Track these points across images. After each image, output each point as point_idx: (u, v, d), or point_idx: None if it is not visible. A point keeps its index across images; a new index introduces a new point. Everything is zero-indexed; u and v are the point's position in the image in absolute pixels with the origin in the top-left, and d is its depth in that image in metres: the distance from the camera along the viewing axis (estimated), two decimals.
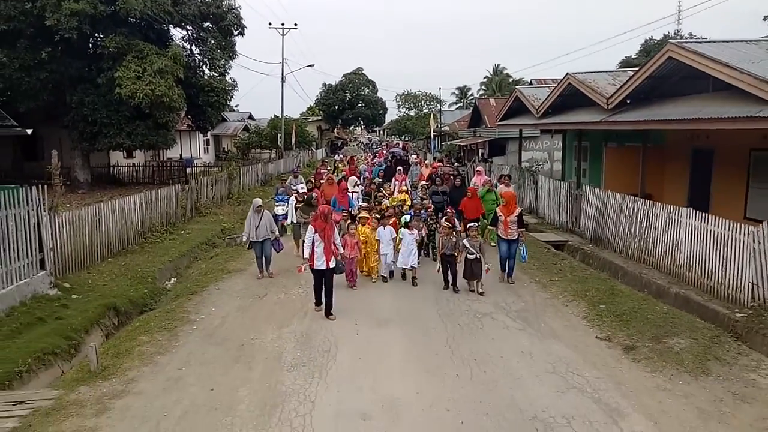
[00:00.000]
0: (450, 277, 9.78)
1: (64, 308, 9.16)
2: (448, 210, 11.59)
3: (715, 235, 8.91)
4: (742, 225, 8.34)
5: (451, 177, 14.70)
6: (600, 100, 13.14)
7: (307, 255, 8.62)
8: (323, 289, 8.67)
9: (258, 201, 11.14)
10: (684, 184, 14.16)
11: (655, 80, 11.38)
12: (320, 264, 8.48)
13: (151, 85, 21.04)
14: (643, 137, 13.18)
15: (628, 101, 12.50)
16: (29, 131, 20.46)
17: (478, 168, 17.13)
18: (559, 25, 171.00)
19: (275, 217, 12.52)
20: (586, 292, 9.34)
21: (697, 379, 6.11)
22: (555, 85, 16.72)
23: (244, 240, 11.21)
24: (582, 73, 15.07)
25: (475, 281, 9.60)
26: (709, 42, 10.55)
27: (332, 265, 8.60)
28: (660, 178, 14.93)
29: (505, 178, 14.32)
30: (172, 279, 12.21)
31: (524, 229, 10.62)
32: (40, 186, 9.78)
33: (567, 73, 15.12)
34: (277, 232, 11.30)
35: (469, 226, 10.03)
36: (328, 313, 8.60)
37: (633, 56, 52.54)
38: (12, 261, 8.90)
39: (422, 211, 11.63)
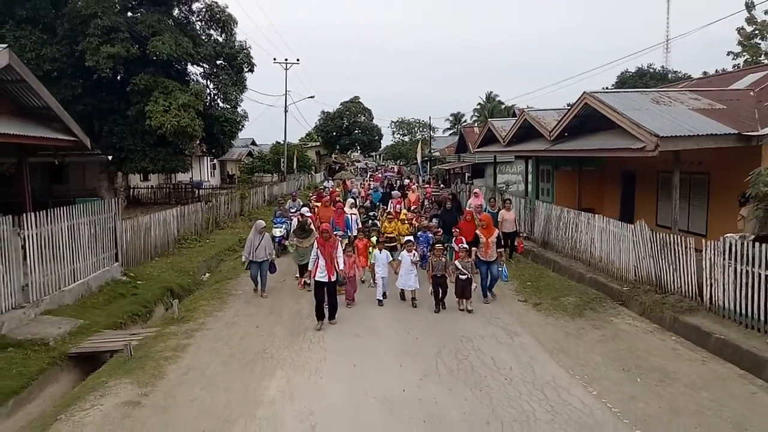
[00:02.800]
0: (441, 297, 10.11)
1: (135, 289, 12.39)
2: (455, 230, 11.89)
3: (614, 234, 12.22)
4: (628, 225, 11.66)
5: (448, 199, 15.02)
6: (545, 132, 16.58)
7: (311, 267, 9.35)
8: (325, 299, 9.23)
9: (261, 223, 11.66)
10: (617, 199, 17.55)
11: (581, 119, 14.77)
12: (322, 276, 9.11)
13: (177, 117, 24.51)
14: (578, 162, 16.62)
15: (566, 134, 15.92)
16: (110, 158, 23.50)
17: (475, 191, 17.56)
18: (553, 54, 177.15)
19: (273, 238, 13.14)
20: (521, 276, 12.64)
21: (573, 319, 9.38)
22: (515, 119, 20.22)
23: (243, 260, 11.70)
24: (535, 110, 18.58)
25: (464, 300, 10.03)
26: (613, 92, 14.05)
27: (334, 278, 9.21)
28: (600, 194, 18.36)
29: (507, 203, 14.64)
30: (207, 274, 15.43)
31: (503, 250, 11.10)
32: (111, 200, 13.10)
33: (522, 110, 18.64)
34: (274, 255, 11.89)
35: (461, 247, 10.42)
36: (331, 317, 9.41)
37: (609, 87, 56.58)
38: (99, 253, 12.16)
39: (423, 233, 12.33)
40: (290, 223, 15.08)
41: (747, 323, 8.30)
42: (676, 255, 9.92)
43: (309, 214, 13.63)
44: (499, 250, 10.71)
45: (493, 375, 7.04)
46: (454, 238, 11.64)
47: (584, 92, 13.52)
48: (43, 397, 7.54)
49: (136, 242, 14.54)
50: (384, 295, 10.62)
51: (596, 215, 13.22)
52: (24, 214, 9.57)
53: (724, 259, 8.75)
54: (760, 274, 8.04)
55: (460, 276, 9.90)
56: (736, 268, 8.51)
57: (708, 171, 13.12)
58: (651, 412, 6.02)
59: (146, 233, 15.19)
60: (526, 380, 6.85)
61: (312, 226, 12.21)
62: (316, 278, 9.16)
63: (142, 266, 14.38)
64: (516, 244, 13.82)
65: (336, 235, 11.23)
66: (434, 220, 13.89)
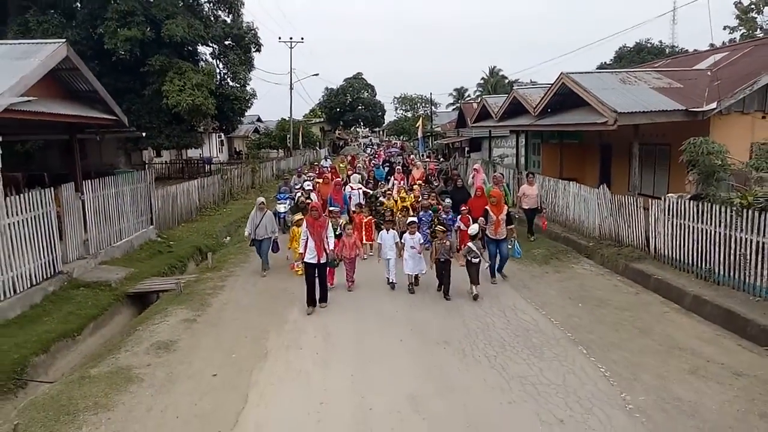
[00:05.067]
0: (445, 281, 9.36)
1: (168, 248, 14.36)
2: (463, 208, 11.34)
3: (584, 198, 14.04)
4: (594, 189, 13.47)
5: (458, 176, 14.77)
6: (530, 109, 18.28)
7: (301, 249, 8.88)
8: (316, 283, 8.85)
9: (261, 200, 11.48)
10: (596, 169, 19.29)
11: (562, 96, 16.43)
12: (311, 258, 8.67)
13: (192, 96, 26.22)
14: (561, 136, 18.35)
15: (549, 110, 17.62)
16: (144, 134, 24.92)
17: (475, 166, 16.88)
18: (557, 27, 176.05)
19: (276, 214, 12.79)
20: None
21: (540, 266, 11.27)
22: (505, 96, 21.89)
23: (246, 235, 11.50)
24: (524, 87, 20.26)
25: (473, 285, 9.24)
26: (588, 72, 15.64)
27: (323, 260, 8.74)
28: (582, 165, 20.09)
29: (530, 177, 14.13)
30: (227, 237, 17.38)
31: (513, 226, 10.55)
32: (144, 171, 15.00)
33: (513, 88, 20.28)
34: (277, 233, 11.52)
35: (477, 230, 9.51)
36: (322, 300, 8.96)
37: (608, 62, 57.67)
38: (138, 216, 14.11)
39: (425, 213, 12.08)
40: (294, 199, 15.04)
41: (680, 267, 10.15)
42: (630, 214, 11.76)
43: (310, 187, 13.88)
44: (509, 227, 10.24)
45: (467, 302, 8.95)
46: (460, 217, 11.17)
47: (561, 73, 15.20)
48: (113, 324, 9.58)
49: (166, 209, 16.47)
50: (393, 285, 9.92)
51: (571, 182, 15.02)
52: (82, 182, 11.49)
53: (664, 215, 10.59)
54: (690, 226, 9.88)
55: (473, 259, 9.11)
56: (673, 222, 10.36)
57: (669, 142, 14.83)
58: (581, 323, 7.95)
59: (174, 201, 17.12)
60: (492, 306, 8.77)
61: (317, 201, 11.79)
62: (305, 260, 8.75)
63: (171, 230, 16.34)
64: (540, 221, 13.49)
65: (334, 211, 11.45)
66: (447, 200, 12.88)
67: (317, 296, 8.91)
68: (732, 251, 8.71)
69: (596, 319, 8.11)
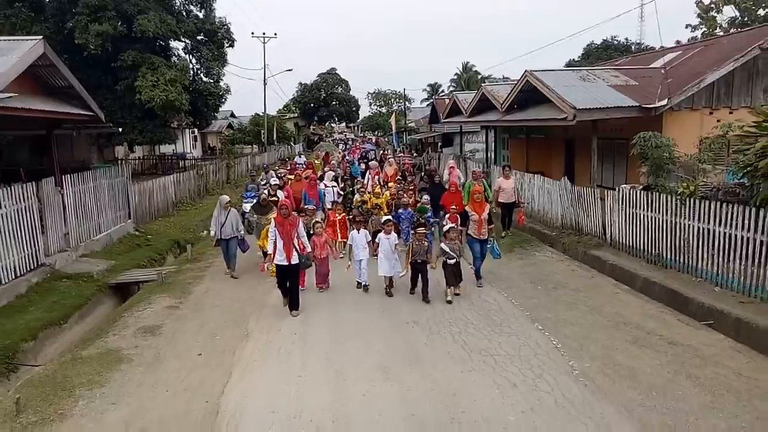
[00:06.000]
0: (420, 285, 8.93)
1: (147, 241, 14.67)
2: (452, 207, 10.67)
3: (547, 190, 14.81)
4: (555, 182, 14.24)
5: (436, 172, 14.25)
6: (498, 105, 19.01)
7: (270, 250, 8.36)
8: (287, 285, 8.43)
9: (225, 198, 10.89)
10: (561, 163, 20.16)
11: (526, 93, 17.17)
12: (281, 259, 8.19)
13: (165, 91, 26.27)
14: (528, 131, 19.13)
15: (515, 106, 18.37)
16: (120, 129, 25.27)
17: (450, 163, 16.38)
18: (530, 24, 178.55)
19: (243, 214, 12.16)
20: None
21: (505, 254, 11.89)
22: (475, 93, 22.62)
23: (212, 235, 10.93)
24: (491, 85, 20.99)
25: (451, 287, 8.91)
26: (550, 70, 16.40)
27: (294, 261, 8.25)
28: (549, 159, 20.95)
29: (506, 170, 13.82)
30: (204, 231, 17.65)
31: (492, 226, 10.05)
32: (120, 166, 15.23)
33: (480, 85, 21.00)
34: (242, 231, 10.89)
35: (449, 228, 9.12)
36: (292, 308, 8.40)
37: (576, 59, 59.13)
38: (116, 210, 14.37)
39: (405, 211, 11.59)
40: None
41: (633, 253, 10.95)
42: (588, 204, 12.55)
43: (276, 182, 13.15)
44: (490, 226, 9.76)
45: (435, 288, 9.53)
46: (447, 215, 10.55)
47: (526, 70, 15.93)
48: (96, 314, 9.93)
49: (143, 203, 16.71)
50: (365, 288, 9.55)
51: (536, 175, 15.80)
52: (62, 177, 11.74)
53: (618, 204, 11.39)
54: (641, 215, 10.67)
55: (449, 261, 8.71)
56: (626, 211, 11.16)
57: (626, 137, 15.68)
58: (539, 303, 8.66)
59: (150, 196, 17.36)
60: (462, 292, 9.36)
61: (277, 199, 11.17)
62: (276, 262, 8.24)
63: (148, 224, 16.60)
64: (516, 216, 13.41)
65: (309, 208, 11.13)
66: (424, 196, 12.55)
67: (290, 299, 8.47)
68: (677, 237, 9.53)
69: (553, 300, 8.82)
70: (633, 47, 57.65)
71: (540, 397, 5.61)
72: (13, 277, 9.59)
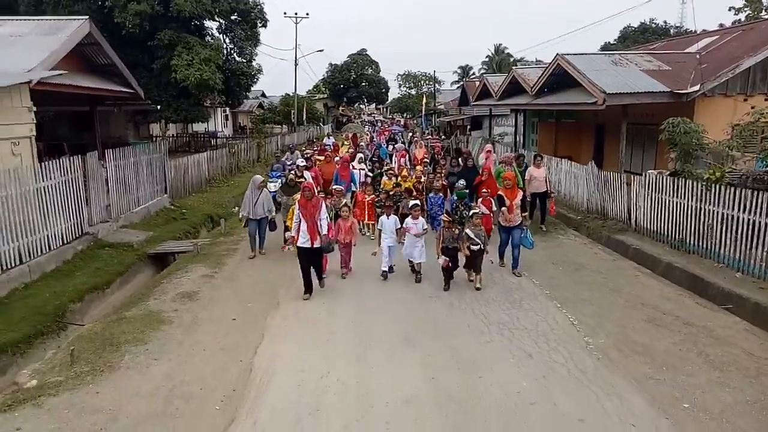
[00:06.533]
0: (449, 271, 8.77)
1: (182, 215, 15.28)
2: (483, 190, 10.62)
3: (574, 174, 14.86)
4: (582, 166, 14.28)
5: (469, 155, 13.86)
6: (528, 88, 18.97)
7: (293, 232, 8.45)
8: (311, 269, 8.37)
9: (258, 178, 10.81)
10: (590, 148, 20.05)
11: (558, 77, 17.10)
12: (304, 242, 8.15)
13: (200, 70, 26.86)
14: (557, 115, 19.06)
15: (545, 90, 18.31)
16: (158, 107, 26.29)
17: (487, 147, 15.81)
18: (565, 5, 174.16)
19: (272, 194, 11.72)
20: None
21: (541, 238, 12.01)
22: (505, 76, 22.55)
23: (240, 217, 10.96)
24: (522, 68, 20.90)
25: (475, 273, 8.84)
26: (582, 54, 16.25)
27: (317, 244, 8.18)
28: (578, 143, 20.84)
29: (538, 159, 13.08)
30: (236, 207, 18.25)
31: (527, 214, 9.80)
32: (158, 143, 15.82)
33: (511, 68, 20.92)
34: (274, 212, 10.83)
35: (472, 214, 8.92)
36: (319, 280, 8.58)
37: (612, 42, 57.77)
38: (154, 185, 15.00)
39: (435, 195, 11.62)
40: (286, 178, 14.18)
41: (657, 238, 11.03)
42: (614, 189, 12.59)
43: (303, 164, 12.95)
44: (523, 213, 9.46)
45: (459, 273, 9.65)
46: (480, 200, 10.40)
47: (557, 54, 15.88)
48: (136, 281, 10.55)
49: (178, 179, 17.35)
50: (391, 268, 9.40)
51: (563, 160, 15.83)
52: (104, 151, 12.35)
53: (644, 189, 11.43)
54: (666, 200, 10.72)
55: (472, 246, 8.60)
56: (652, 196, 11.20)
57: (657, 122, 15.53)
58: (560, 283, 8.88)
59: (185, 172, 17.99)
60: (484, 271, 9.58)
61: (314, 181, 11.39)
62: (298, 244, 8.23)
63: (183, 199, 17.24)
64: (548, 206, 12.86)
65: (338, 189, 11.17)
66: (460, 181, 11.74)
67: (313, 282, 8.47)
68: (701, 223, 9.59)
69: (573, 281, 9.02)
70: (671, 31, 56.04)
71: (553, 367, 5.90)
72: (61, 244, 10.23)
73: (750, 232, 8.47)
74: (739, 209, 8.67)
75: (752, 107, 11.99)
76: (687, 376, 5.65)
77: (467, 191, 11.61)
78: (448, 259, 8.54)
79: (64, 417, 5.09)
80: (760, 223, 8.27)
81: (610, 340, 6.60)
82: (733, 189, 8.89)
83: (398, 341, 6.65)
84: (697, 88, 12.86)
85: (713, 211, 9.28)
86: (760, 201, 8.26)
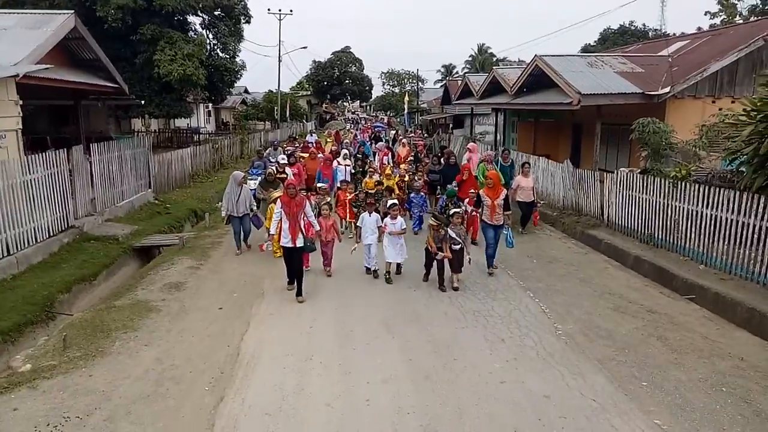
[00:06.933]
0: (438, 271, 8.61)
1: (166, 209, 15.42)
2: (471, 191, 10.67)
3: (550, 172, 15.34)
4: (558, 164, 14.76)
5: (451, 153, 13.95)
6: (508, 88, 19.43)
7: (273, 231, 8.26)
8: (292, 266, 8.24)
9: (239, 174, 10.63)
10: (568, 147, 20.61)
11: (536, 77, 17.57)
12: (286, 241, 7.97)
13: (183, 66, 26.87)
14: (536, 114, 19.57)
15: (525, 90, 18.78)
16: (142, 102, 26.31)
17: (469, 145, 15.75)
18: (549, 6, 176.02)
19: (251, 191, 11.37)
20: None
21: (518, 235, 12.41)
22: (486, 75, 23.00)
23: (223, 215, 10.74)
24: (503, 68, 21.37)
25: (453, 273, 8.65)
26: (559, 55, 16.74)
27: (299, 244, 7.97)
28: (556, 142, 21.40)
29: (526, 167, 12.76)
30: (219, 202, 18.40)
31: (510, 212, 9.62)
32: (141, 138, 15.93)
33: (492, 68, 21.36)
34: (255, 207, 10.75)
35: (453, 212, 8.80)
36: (298, 294, 8.10)
37: (592, 44, 58.77)
38: (138, 179, 15.12)
39: (417, 195, 11.69)
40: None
41: (628, 233, 11.52)
42: (588, 186, 13.08)
43: (284, 161, 12.77)
44: (506, 213, 9.34)
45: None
46: (467, 200, 10.60)
47: (535, 55, 16.35)
48: (122, 273, 10.72)
49: (162, 174, 17.46)
50: (375, 273, 9.27)
51: (541, 158, 16.30)
52: (89, 145, 12.46)
53: (616, 186, 11.92)
54: (636, 197, 11.22)
55: (453, 246, 8.48)
56: (623, 193, 11.69)
57: (630, 122, 16.10)
58: (533, 275, 9.32)
59: (169, 167, 18.10)
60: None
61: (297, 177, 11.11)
62: (281, 243, 8.08)
63: (167, 194, 17.36)
64: (532, 215, 12.65)
65: (322, 187, 10.99)
66: (430, 176, 12.13)
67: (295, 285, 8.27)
68: (668, 218, 10.09)
69: (546, 273, 9.46)
70: (650, 34, 57.17)
71: (524, 351, 6.30)
72: (47, 236, 10.37)
73: (713, 227, 8.97)
74: (703, 205, 9.17)
75: (720, 109, 12.59)
76: (646, 358, 6.09)
77: (457, 189, 11.62)
78: (447, 253, 8.38)
79: (59, 398, 5.33)
80: (722, 218, 8.77)
81: (578, 326, 7.03)
82: (697, 186, 9.39)
83: (378, 328, 6.99)
84: (667, 90, 13.40)
85: (679, 207, 9.78)
86: (722, 198, 8.76)
